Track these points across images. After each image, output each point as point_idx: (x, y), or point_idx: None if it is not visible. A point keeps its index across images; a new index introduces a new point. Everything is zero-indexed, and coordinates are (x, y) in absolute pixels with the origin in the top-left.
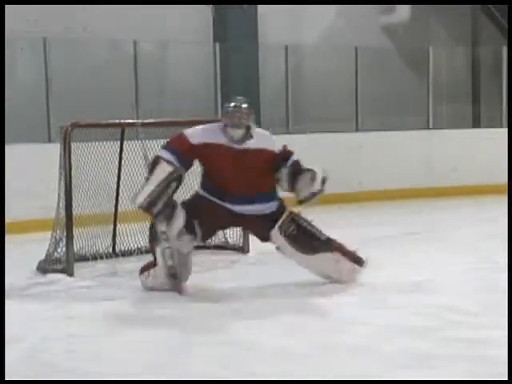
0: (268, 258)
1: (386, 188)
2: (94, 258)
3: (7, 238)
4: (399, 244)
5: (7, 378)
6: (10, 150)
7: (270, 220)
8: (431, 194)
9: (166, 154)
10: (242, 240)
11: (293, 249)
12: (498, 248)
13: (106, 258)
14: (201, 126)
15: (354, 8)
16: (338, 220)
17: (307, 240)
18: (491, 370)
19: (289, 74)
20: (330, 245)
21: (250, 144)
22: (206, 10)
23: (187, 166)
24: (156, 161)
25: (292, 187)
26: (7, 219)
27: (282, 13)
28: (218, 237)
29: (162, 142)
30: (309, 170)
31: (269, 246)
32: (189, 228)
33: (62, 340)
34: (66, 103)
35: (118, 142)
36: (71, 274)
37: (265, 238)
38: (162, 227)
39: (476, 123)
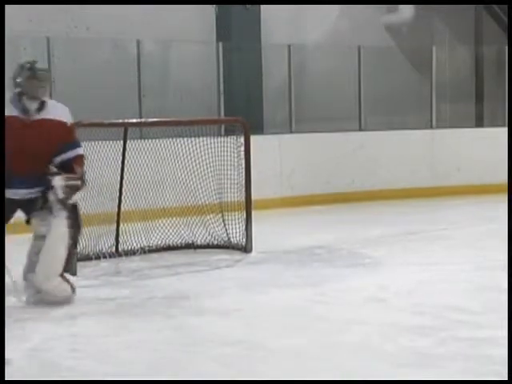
0: (270, 258)
1: (389, 187)
2: (97, 257)
3: (10, 237)
4: (401, 243)
5: (10, 377)
6: None
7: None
8: (434, 193)
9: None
10: (244, 239)
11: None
12: (500, 247)
13: (109, 257)
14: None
15: (357, 7)
16: (339, 219)
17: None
18: (492, 370)
19: (292, 74)
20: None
21: (44, 114)
22: (209, 9)
23: None
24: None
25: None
26: None
27: (284, 12)
28: (221, 236)
29: (165, 141)
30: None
31: (271, 246)
32: None
33: (65, 339)
34: (69, 102)
35: (121, 142)
36: (74, 273)
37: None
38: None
39: (479, 122)
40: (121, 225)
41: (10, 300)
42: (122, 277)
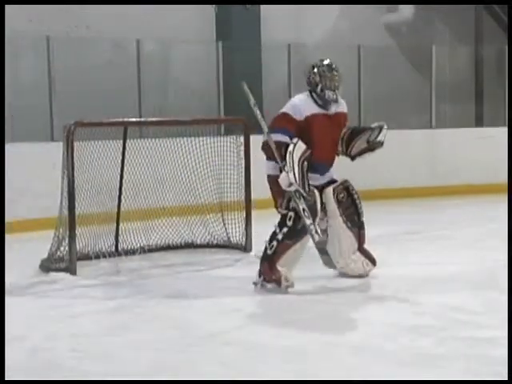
0: None
1: (389, 187)
2: (97, 256)
3: (10, 236)
4: (401, 243)
5: (11, 376)
6: (12, 148)
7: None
8: (434, 193)
9: (282, 137)
10: (244, 239)
11: (337, 211)
12: (500, 247)
13: (109, 256)
14: (293, 102)
15: (357, 7)
16: None
17: (350, 212)
18: (492, 370)
19: (291, 73)
20: (361, 228)
21: (336, 107)
22: (209, 8)
23: None
24: (279, 146)
25: (347, 146)
26: (10, 218)
27: (284, 11)
28: (221, 236)
29: (164, 140)
30: (367, 129)
31: None
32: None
33: (65, 339)
34: (70, 102)
35: (121, 141)
36: (74, 273)
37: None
38: (301, 205)
39: (479, 122)
40: (120, 224)
41: (11, 299)
42: (121, 276)
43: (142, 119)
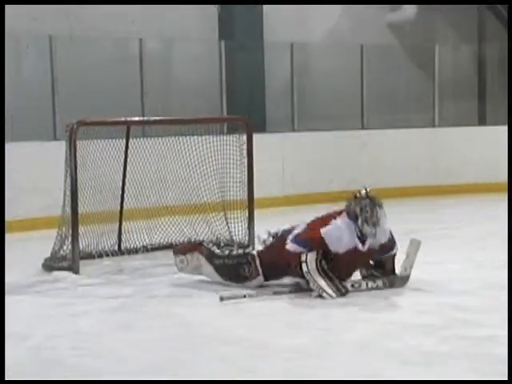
0: None
1: (391, 185)
2: (100, 255)
3: (13, 235)
4: (402, 242)
5: (11, 374)
6: (15, 148)
7: None
8: (436, 191)
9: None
10: (247, 238)
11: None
12: (501, 246)
13: (112, 255)
14: (337, 229)
15: (360, 6)
16: None
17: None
18: (494, 369)
19: (294, 72)
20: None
21: (372, 242)
22: (212, 8)
23: None
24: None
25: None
26: (13, 217)
27: (287, 10)
28: (224, 235)
29: (167, 139)
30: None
31: None
32: None
33: (67, 337)
34: (72, 101)
35: (124, 140)
36: (77, 272)
37: None
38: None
39: (482, 121)
40: (123, 223)
41: (14, 297)
42: (124, 275)
43: (145, 118)
